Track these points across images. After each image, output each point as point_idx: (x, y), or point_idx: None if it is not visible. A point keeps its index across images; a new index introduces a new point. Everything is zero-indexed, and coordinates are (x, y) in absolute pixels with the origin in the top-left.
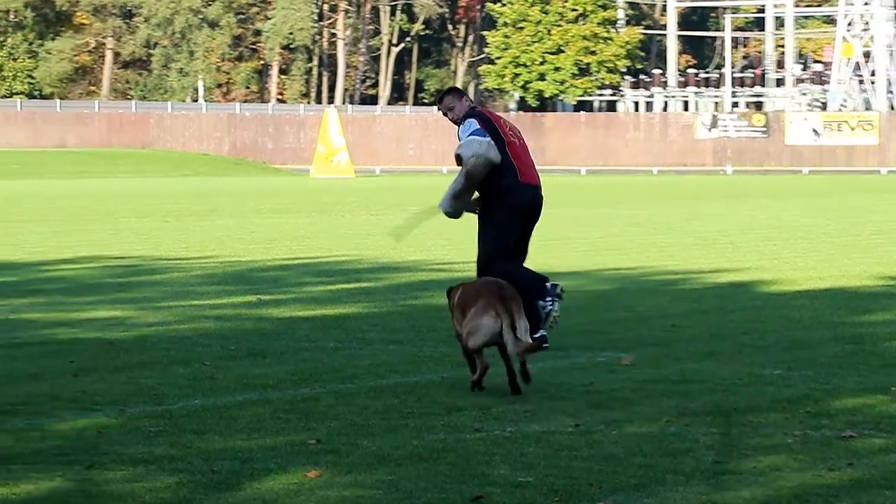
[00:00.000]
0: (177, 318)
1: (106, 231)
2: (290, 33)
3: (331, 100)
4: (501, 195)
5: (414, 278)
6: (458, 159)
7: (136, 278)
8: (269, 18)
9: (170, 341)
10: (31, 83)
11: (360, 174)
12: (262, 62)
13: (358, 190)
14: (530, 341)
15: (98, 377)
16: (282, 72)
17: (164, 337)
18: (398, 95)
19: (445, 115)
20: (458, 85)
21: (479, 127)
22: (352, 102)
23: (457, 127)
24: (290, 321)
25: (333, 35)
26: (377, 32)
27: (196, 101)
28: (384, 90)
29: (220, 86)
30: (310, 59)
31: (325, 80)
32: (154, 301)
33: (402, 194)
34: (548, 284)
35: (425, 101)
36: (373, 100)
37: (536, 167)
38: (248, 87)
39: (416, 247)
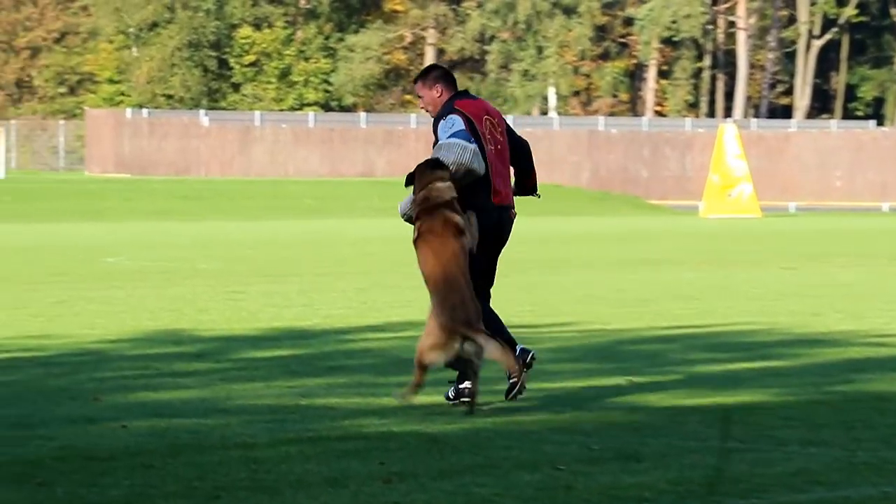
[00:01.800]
0: (520, 405)
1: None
2: (674, 22)
3: (728, 112)
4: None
5: (843, 355)
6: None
7: None
8: (645, 2)
9: (510, 437)
10: (327, 91)
11: (768, 213)
12: (634, 61)
13: (765, 234)
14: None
15: (417, 484)
16: (661, 74)
17: (504, 431)
18: (821, 106)
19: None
20: None
21: (463, 128)
22: (757, 115)
23: (435, 120)
24: (673, 412)
25: (732, 24)
26: (792, 20)
27: (546, 113)
28: (801, 98)
29: (577, 93)
30: (700, 58)
31: (720, 85)
32: (491, 383)
33: (826, 240)
34: (518, 348)
35: (859, 113)
36: (786, 112)
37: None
38: (615, 96)
39: (845, 312)
